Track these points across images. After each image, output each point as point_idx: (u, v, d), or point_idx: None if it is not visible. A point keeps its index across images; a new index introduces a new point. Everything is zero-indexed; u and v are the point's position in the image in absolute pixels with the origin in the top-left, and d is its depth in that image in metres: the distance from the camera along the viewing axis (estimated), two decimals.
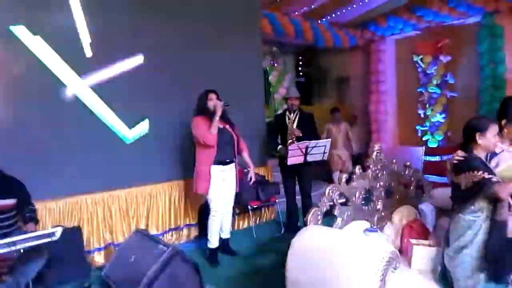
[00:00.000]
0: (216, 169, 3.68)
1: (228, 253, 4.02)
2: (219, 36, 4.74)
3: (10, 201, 2.90)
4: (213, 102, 3.67)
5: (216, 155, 3.65)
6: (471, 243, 2.15)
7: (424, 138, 7.43)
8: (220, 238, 3.96)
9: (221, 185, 3.74)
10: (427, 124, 7.40)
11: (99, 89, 3.87)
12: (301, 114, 4.53)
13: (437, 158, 6.80)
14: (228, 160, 3.76)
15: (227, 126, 3.80)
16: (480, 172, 2.06)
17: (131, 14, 4.06)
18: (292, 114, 4.52)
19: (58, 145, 3.62)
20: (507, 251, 2.11)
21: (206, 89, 3.77)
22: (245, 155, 4.04)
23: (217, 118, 3.57)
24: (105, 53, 3.90)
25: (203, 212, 4.43)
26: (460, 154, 2.26)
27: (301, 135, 4.31)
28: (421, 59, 7.28)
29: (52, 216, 3.56)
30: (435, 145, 7.24)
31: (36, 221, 3.07)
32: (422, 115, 7.46)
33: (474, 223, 2.15)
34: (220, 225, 3.90)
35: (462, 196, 2.20)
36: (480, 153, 2.24)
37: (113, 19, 3.94)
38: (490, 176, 2.06)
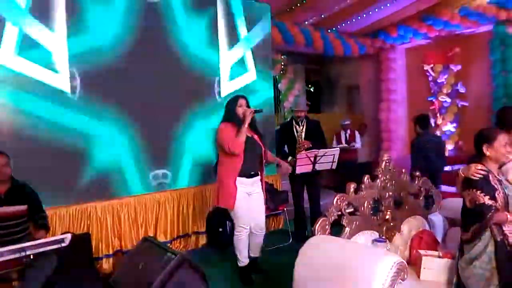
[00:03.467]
0: (239, 182, 3.35)
1: (257, 273, 3.65)
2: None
3: (21, 208, 2.93)
4: (242, 108, 3.36)
5: (242, 167, 3.32)
6: (481, 255, 2.12)
7: None
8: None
9: (247, 199, 3.39)
10: (438, 133, 7.33)
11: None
12: (308, 124, 4.52)
13: (447, 168, 6.71)
14: (252, 173, 3.44)
15: (255, 136, 3.48)
16: (482, 195, 2.05)
17: None
18: (299, 126, 4.51)
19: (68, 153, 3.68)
20: None
21: (236, 94, 3.55)
22: (269, 155, 3.66)
23: (246, 125, 3.27)
24: None
25: (211, 220, 4.44)
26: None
27: (311, 146, 4.30)
28: (432, 68, 7.25)
29: (62, 223, 3.59)
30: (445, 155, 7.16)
31: (47, 228, 3.08)
32: (433, 124, 7.40)
33: (484, 235, 2.12)
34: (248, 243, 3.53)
35: (468, 214, 2.22)
36: (492, 165, 2.19)
37: None
38: (490, 203, 2.05)
